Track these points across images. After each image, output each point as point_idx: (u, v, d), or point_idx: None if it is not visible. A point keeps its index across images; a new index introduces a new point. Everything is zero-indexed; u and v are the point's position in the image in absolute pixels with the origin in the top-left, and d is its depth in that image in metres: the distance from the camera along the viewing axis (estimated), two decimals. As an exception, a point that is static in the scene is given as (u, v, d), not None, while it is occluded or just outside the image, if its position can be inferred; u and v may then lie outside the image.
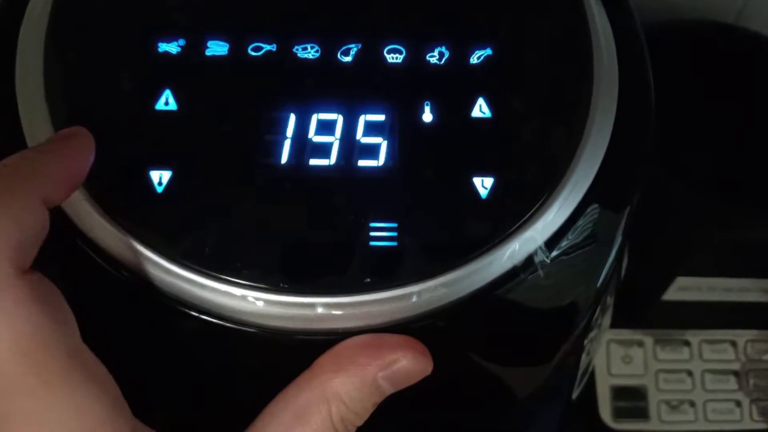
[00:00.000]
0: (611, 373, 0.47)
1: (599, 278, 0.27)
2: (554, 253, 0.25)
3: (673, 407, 0.47)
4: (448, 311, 0.24)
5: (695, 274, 0.45)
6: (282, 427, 0.21)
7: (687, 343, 0.48)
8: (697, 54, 0.48)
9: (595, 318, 0.29)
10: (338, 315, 0.23)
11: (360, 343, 0.22)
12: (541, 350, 0.28)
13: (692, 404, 0.47)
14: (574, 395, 0.36)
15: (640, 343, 0.47)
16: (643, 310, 0.47)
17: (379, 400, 0.22)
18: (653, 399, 0.47)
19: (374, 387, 0.22)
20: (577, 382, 0.35)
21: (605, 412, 0.47)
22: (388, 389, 0.22)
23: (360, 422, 0.22)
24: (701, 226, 0.43)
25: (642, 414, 0.47)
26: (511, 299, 0.25)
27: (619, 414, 0.47)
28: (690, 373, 0.48)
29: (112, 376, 0.20)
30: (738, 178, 0.46)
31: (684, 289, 0.45)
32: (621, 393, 0.47)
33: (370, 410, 0.22)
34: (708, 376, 0.48)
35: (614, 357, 0.47)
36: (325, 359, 0.22)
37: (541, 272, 0.24)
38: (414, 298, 0.23)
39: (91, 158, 0.22)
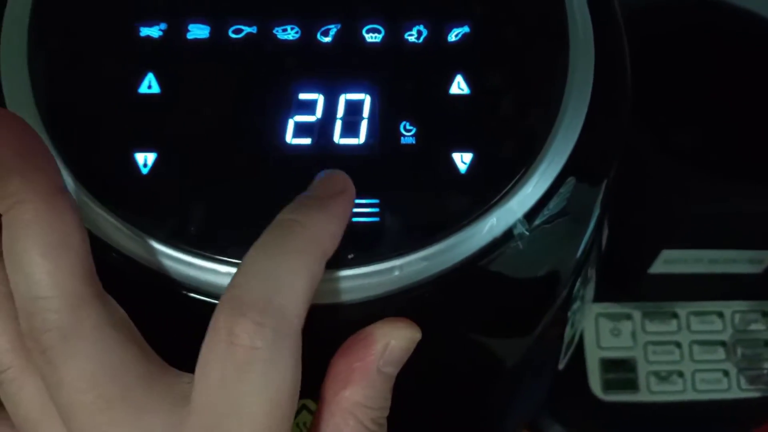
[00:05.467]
0: (600, 346, 0.48)
1: (579, 249, 0.28)
2: (533, 225, 0.25)
3: (662, 378, 0.48)
4: (430, 284, 0.24)
5: (681, 246, 0.45)
6: None
7: (675, 315, 0.48)
8: (681, 30, 0.49)
9: (576, 289, 0.30)
10: (323, 289, 0.23)
11: (346, 350, 0.23)
12: (524, 320, 0.29)
13: (681, 375, 0.48)
14: (561, 366, 0.36)
15: (629, 316, 0.48)
16: (630, 283, 0.48)
17: (391, 384, 0.23)
18: (642, 370, 0.48)
19: (381, 377, 0.22)
20: (562, 354, 0.36)
21: (595, 384, 0.47)
22: (394, 371, 0.23)
23: (387, 412, 0.23)
24: (685, 199, 0.43)
25: (631, 385, 0.47)
26: (493, 271, 0.25)
27: (609, 386, 0.47)
28: (678, 345, 0.48)
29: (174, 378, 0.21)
30: (722, 152, 0.47)
31: (670, 261, 0.45)
32: (610, 365, 0.47)
33: (390, 396, 0.23)
34: (696, 347, 0.48)
35: (603, 330, 0.48)
36: (327, 385, 0.23)
37: (520, 244, 0.25)
38: (396, 272, 0.24)
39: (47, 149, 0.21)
